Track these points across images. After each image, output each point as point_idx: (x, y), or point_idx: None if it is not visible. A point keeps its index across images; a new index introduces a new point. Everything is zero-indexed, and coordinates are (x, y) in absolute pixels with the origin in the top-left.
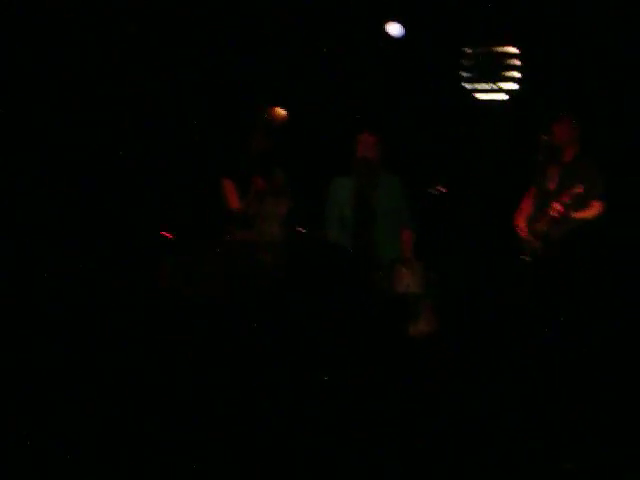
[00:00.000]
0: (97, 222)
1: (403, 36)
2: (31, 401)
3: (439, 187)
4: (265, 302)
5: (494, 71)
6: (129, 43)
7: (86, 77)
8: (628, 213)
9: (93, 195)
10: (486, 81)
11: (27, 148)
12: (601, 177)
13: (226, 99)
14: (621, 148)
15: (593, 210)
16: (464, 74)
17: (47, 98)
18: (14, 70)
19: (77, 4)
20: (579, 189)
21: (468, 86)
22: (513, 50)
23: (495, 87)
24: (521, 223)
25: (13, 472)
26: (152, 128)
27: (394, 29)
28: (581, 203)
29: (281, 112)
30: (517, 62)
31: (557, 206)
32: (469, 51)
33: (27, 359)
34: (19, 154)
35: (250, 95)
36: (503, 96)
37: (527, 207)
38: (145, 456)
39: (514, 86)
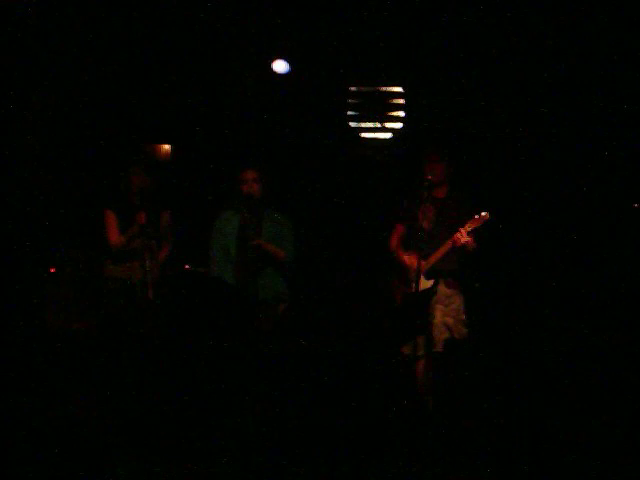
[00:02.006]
0: None
1: (289, 73)
2: None
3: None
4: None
5: (379, 110)
6: None
7: None
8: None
9: None
10: (371, 120)
11: None
12: (473, 211)
13: (111, 133)
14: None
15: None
16: (350, 112)
17: None
18: None
19: None
20: (480, 218)
21: (353, 124)
22: (398, 89)
23: (379, 126)
24: (401, 257)
25: None
26: (37, 160)
27: (280, 66)
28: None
29: (163, 148)
30: (401, 101)
31: (462, 235)
32: (354, 90)
33: None
34: None
35: (134, 130)
36: (387, 134)
37: (397, 241)
38: None
39: (398, 125)
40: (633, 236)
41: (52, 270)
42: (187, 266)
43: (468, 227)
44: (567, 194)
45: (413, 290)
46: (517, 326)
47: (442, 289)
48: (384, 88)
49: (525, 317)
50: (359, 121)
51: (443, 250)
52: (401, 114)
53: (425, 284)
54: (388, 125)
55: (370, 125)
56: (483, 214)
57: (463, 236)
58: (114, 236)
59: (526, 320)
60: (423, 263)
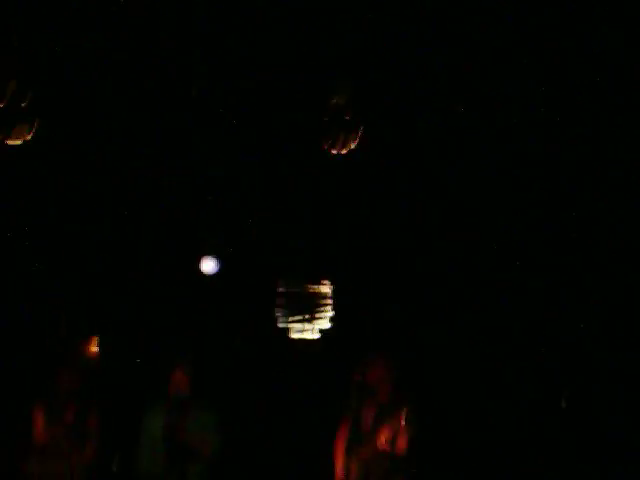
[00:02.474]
0: None
1: (217, 271)
2: None
3: None
4: None
5: (308, 310)
6: None
7: None
8: None
9: None
10: (300, 320)
11: None
12: (414, 414)
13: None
14: None
15: (403, 445)
16: (278, 313)
17: None
18: None
19: None
20: (399, 424)
21: (282, 324)
22: (326, 290)
23: (308, 326)
24: (338, 457)
25: None
26: None
27: (208, 266)
28: (397, 439)
29: (92, 346)
30: (330, 301)
31: (380, 440)
32: (283, 290)
33: None
34: None
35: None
36: (316, 335)
37: (341, 444)
38: None
39: (327, 325)
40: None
41: None
42: (114, 465)
43: (387, 433)
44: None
45: None
46: None
47: None
48: (313, 288)
49: None
50: (287, 320)
51: (368, 453)
52: (330, 314)
53: None
54: (317, 324)
55: (299, 325)
56: (401, 421)
57: (382, 442)
58: (39, 432)
59: None
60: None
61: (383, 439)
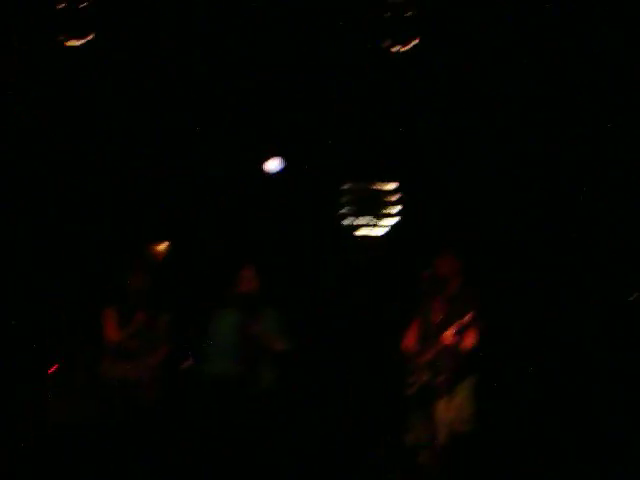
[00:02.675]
0: None
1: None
2: None
3: None
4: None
5: (372, 207)
6: None
7: None
8: None
9: None
10: (364, 217)
11: None
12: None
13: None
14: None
15: (472, 339)
16: (343, 210)
17: None
18: None
19: None
20: (467, 319)
21: (346, 222)
22: (391, 186)
23: (373, 222)
24: (408, 352)
25: None
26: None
27: (273, 165)
28: (465, 333)
29: (161, 248)
30: (394, 198)
31: (449, 336)
32: (348, 187)
33: None
34: None
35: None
36: (381, 231)
37: (412, 338)
38: None
39: (392, 221)
40: None
41: (53, 368)
42: (186, 363)
43: (455, 328)
44: None
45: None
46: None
47: (443, 384)
48: (378, 185)
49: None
50: (353, 218)
51: (438, 347)
52: (395, 210)
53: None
54: (382, 222)
55: (364, 222)
56: (467, 317)
57: (449, 336)
58: (112, 335)
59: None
60: (426, 357)
61: (450, 334)
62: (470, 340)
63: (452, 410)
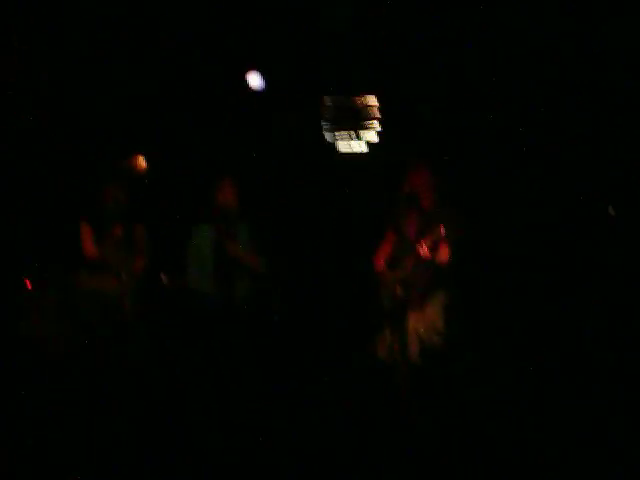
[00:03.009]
0: None
1: (263, 87)
2: None
3: None
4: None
5: (354, 121)
6: None
7: None
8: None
9: None
10: (346, 131)
11: None
12: (457, 222)
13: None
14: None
15: (445, 254)
16: (324, 124)
17: None
18: None
19: None
20: (440, 233)
21: (328, 136)
22: (372, 101)
23: (355, 137)
24: (381, 267)
25: None
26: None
27: (254, 80)
28: (438, 248)
29: (140, 162)
30: (376, 113)
31: (423, 249)
32: (329, 102)
33: None
34: None
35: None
36: (363, 146)
37: (385, 253)
38: None
39: (373, 136)
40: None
41: (27, 283)
42: (163, 277)
43: (428, 241)
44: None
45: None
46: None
47: (416, 298)
48: (358, 98)
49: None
50: (334, 132)
51: (411, 261)
52: (376, 124)
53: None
54: (363, 136)
55: (345, 136)
56: (442, 229)
57: (424, 250)
58: (89, 248)
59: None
60: (399, 272)
61: (425, 248)
62: (443, 255)
63: (423, 322)
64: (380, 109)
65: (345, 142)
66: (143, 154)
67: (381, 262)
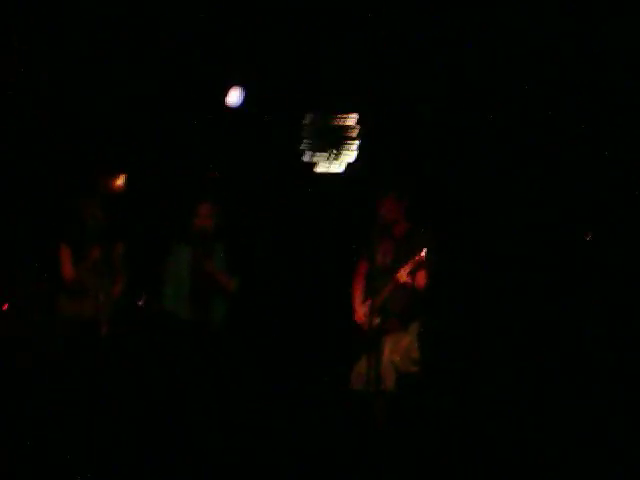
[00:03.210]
0: None
1: (241, 104)
2: None
3: None
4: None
5: (332, 142)
6: None
7: None
8: None
9: None
10: (324, 152)
11: None
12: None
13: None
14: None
15: (422, 279)
16: (302, 145)
17: None
18: None
19: None
20: (420, 257)
21: (306, 157)
22: (352, 121)
23: (333, 158)
24: (357, 296)
25: None
26: None
27: (233, 98)
28: (414, 275)
29: (118, 181)
30: (355, 134)
31: (400, 275)
32: (307, 122)
33: None
34: None
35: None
36: (340, 168)
37: (360, 282)
38: None
39: (351, 158)
40: None
41: (4, 307)
42: (140, 302)
43: (408, 267)
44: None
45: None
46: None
47: (392, 327)
48: (338, 119)
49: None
50: (312, 153)
51: (388, 289)
52: (355, 146)
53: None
54: (342, 158)
55: (324, 158)
56: (422, 254)
57: (402, 276)
58: (68, 271)
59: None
60: (373, 301)
61: (403, 273)
62: (420, 280)
63: (398, 353)
64: (360, 131)
65: (323, 162)
66: (121, 171)
67: (357, 292)
